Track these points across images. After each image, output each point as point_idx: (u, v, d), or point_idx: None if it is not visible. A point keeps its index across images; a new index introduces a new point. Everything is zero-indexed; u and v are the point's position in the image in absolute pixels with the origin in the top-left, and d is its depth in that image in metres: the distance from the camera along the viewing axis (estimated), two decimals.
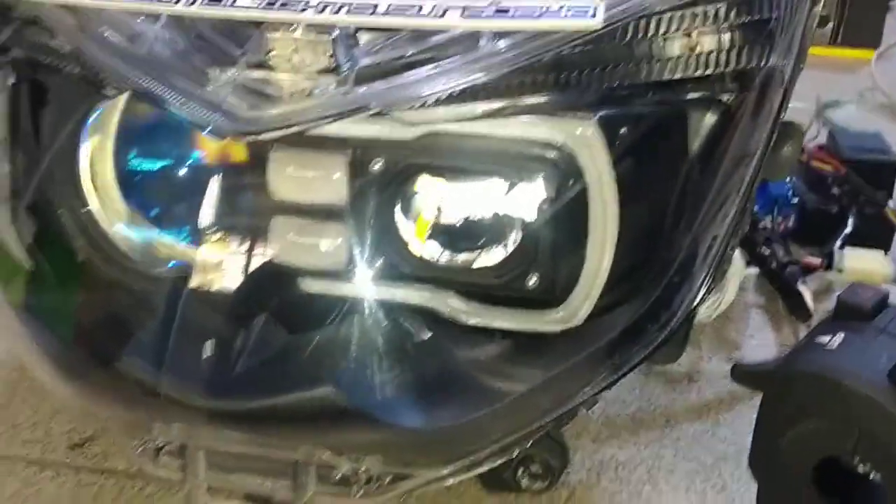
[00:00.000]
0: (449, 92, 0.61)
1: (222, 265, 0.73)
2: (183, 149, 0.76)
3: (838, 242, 1.19)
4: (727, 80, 0.65)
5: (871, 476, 0.72)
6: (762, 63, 0.64)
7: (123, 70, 0.65)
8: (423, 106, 0.61)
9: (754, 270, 1.11)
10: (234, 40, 0.67)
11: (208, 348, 0.68)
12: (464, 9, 0.60)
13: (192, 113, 0.64)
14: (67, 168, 0.75)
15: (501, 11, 0.60)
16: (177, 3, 0.64)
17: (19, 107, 0.75)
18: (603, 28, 0.58)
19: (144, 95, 0.66)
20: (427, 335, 0.70)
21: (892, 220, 1.23)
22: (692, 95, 0.66)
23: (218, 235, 0.75)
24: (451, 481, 0.73)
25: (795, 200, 1.20)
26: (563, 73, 0.63)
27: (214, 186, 0.75)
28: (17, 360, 0.97)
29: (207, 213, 0.75)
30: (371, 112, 0.62)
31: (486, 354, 0.72)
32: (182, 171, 0.78)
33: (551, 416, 0.71)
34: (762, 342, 1.10)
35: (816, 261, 1.16)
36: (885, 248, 1.21)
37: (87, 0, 0.67)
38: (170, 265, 0.75)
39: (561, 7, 0.59)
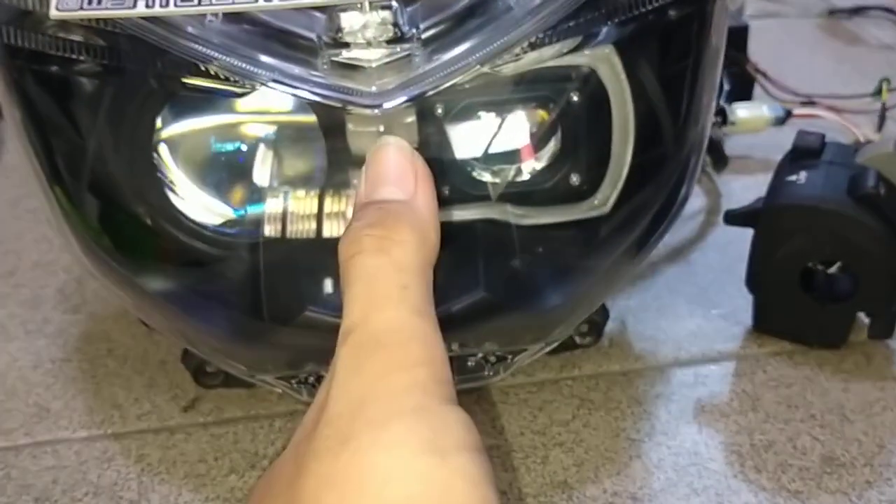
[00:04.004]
0: (534, 38, 0.75)
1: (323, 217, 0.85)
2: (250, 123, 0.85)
3: (722, 99, 1.43)
4: None
5: (840, 273, 0.97)
6: None
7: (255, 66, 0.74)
8: (517, 56, 0.76)
9: None
10: (299, 25, 0.77)
11: None
12: None
13: (325, 95, 0.74)
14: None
15: None
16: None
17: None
18: None
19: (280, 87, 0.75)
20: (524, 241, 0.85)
21: (751, 75, 1.50)
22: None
23: (309, 193, 0.85)
24: (547, 350, 0.91)
25: None
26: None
27: (294, 152, 0.86)
28: (82, 351, 1.05)
29: (294, 175, 0.85)
30: (479, 69, 0.75)
31: (555, 247, 0.88)
32: (256, 144, 0.87)
33: (616, 285, 0.89)
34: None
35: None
36: (749, 98, 1.48)
37: (175, 9, 0.74)
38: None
39: None
